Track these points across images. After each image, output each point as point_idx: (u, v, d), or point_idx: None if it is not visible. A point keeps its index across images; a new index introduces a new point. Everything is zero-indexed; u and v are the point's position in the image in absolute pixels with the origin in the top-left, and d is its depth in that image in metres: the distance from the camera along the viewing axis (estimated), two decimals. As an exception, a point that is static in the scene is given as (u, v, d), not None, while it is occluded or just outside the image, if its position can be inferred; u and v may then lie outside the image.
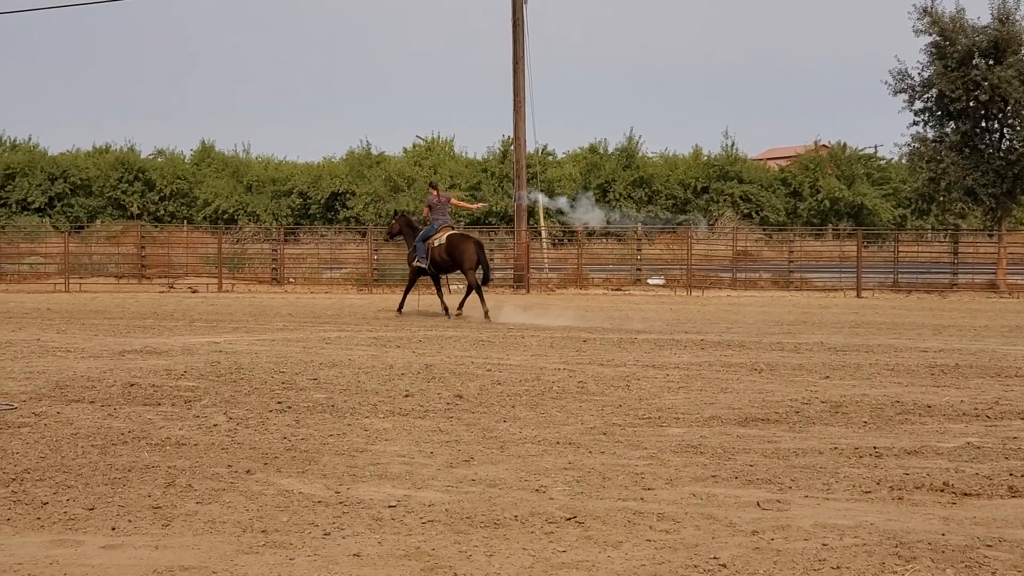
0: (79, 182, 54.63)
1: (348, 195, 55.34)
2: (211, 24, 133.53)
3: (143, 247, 41.86)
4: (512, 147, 42.57)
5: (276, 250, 41.51)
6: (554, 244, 45.57)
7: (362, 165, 56.63)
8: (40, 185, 53.32)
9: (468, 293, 25.41)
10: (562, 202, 47.79)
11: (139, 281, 40.25)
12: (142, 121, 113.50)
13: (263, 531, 7.15)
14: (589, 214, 46.32)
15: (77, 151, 57.83)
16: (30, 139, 57.64)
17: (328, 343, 18.88)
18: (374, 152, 58.50)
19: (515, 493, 8.20)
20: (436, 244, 25.08)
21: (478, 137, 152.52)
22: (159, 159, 57.62)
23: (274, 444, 9.90)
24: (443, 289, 26.48)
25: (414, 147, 59.43)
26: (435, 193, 25.68)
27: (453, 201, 26.61)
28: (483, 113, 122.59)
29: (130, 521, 7.35)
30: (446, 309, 25.47)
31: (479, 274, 25.23)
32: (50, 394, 12.63)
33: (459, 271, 25.53)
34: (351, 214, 54.38)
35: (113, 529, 7.16)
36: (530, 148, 40.59)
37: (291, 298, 33.94)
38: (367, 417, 11.39)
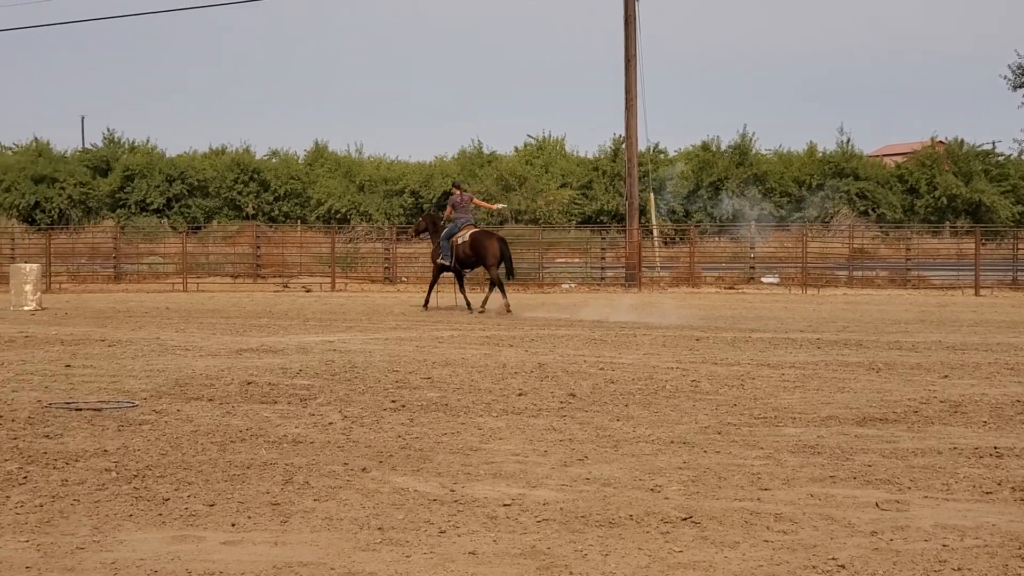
0: (196, 183, 55.47)
1: (461, 194, 55.66)
2: (322, 26, 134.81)
3: (258, 247, 42.40)
4: (623, 145, 42.46)
5: (388, 249, 41.81)
6: (665, 242, 45.37)
7: (473, 164, 56.83)
8: (158, 186, 54.22)
9: (491, 289, 26.26)
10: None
11: (254, 280, 40.79)
12: (257, 122, 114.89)
13: (379, 528, 7.19)
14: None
15: (194, 153, 58.75)
16: (148, 141, 58.62)
17: (441, 342, 18.97)
18: (485, 151, 58.69)
19: (630, 492, 8.17)
20: (460, 241, 25.92)
21: (589, 135, 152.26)
22: (273, 160, 58.30)
23: (389, 442, 9.96)
24: (465, 286, 27.37)
25: (525, 146, 59.52)
26: (458, 192, 26.63)
27: (475, 201, 27.65)
28: (594, 111, 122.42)
29: (249, 517, 7.44)
30: (468, 304, 26.38)
31: (502, 270, 26.06)
32: (170, 392, 12.84)
33: (482, 267, 26.43)
34: (463, 213, 54.68)
35: (233, 525, 7.26)
36: (641, 146, 40.42)
37: (403, 297, 34.15)
38: (481, 416, 11.42)
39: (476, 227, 26.66)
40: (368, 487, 8.27)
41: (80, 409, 11.55)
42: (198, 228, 49.58)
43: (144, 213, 53.50)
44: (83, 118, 79.60)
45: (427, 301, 27.33)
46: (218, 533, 7.09)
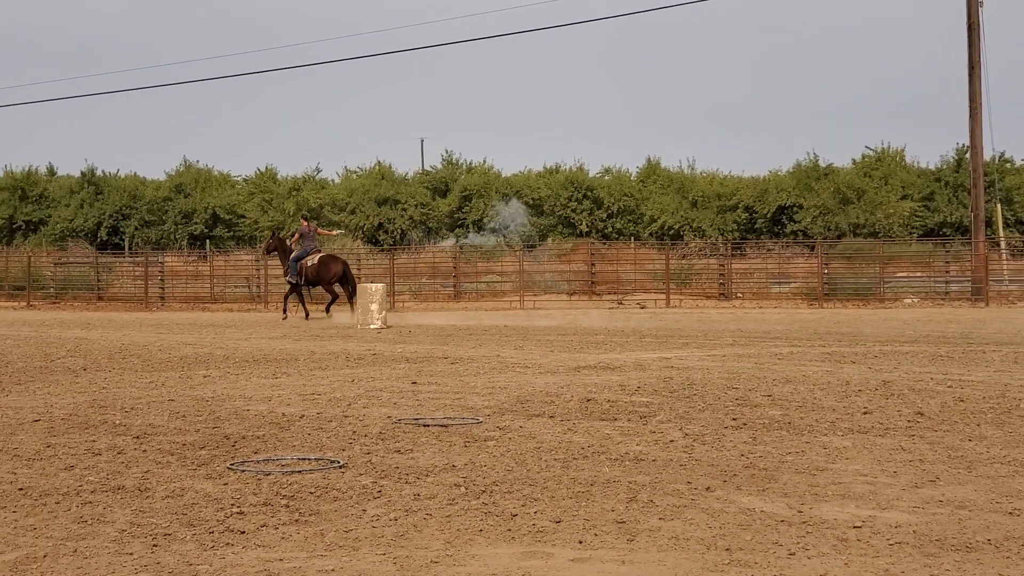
0: (531, 202, 56.46)
1: (795, 208, 54.74)
2: (658, 42, 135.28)
3: (593, 264, 42.81)
4: (967, 155, 40.99)
5: (723, 265, 41.54)
6: (1013, 254, 43.53)
7: (809, 178, 55.89)
8: (495, 206, 55.45)
9: (331, 301, 32.68)
10: None
11: (589, 297, 41.19)
12: (590, 140, 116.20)
13: (727, 549, 7.10)
14: None
15: (529, 172, 59.82)
16: (484, 161, 60.05)
17: (780, 359, 18.69)
18: (821, 164, 57.63)
19: (986, 515, 7.82)
20: (309, 264, 32.04)
21: (930, 145, 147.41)
22: (606, 177, 58.80)
23: (732, 461, 9.85)
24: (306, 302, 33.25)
25: (863, 158, 58.15)
26: (306, 224, 33.02)
27: (319, 231, 34.38)
28: (935, 121, 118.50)
29: (596, 535, 7.47)
30: (307, 314, 32.53)
31: (337, 289, 32.55)
32: (512, 408, 13.06)
33: (323, 285, 32.57)
34: (799, 227, 53.76)
35: (580, 543, 7.30)
36: (987, 155, 39.01)
37: (739, 313, 33.85)
38: (825, 435, 11.18)
39: (320, 252, 33.02)
40: (713, 506, 8.19)
41: (427, 425, 11.87)
42: (533, 247, 50.43)
43: (481, 232, 54.80)
44: (422, 141, 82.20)
45: (286, 311, 33.00)
46: (566, 550, 7.14)
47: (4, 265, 47.01)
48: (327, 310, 32.61)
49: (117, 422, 12.23)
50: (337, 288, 32.72)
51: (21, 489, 8.97)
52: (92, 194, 55.13)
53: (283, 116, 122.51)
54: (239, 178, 58.48)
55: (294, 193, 54.98)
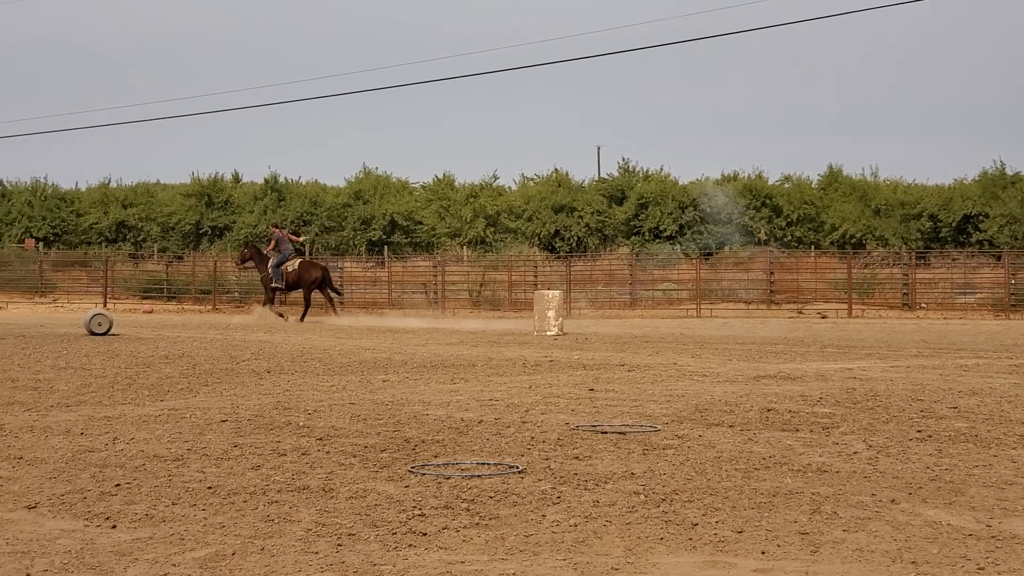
0: (708, 209, 56.08)
1: (981, 217, 53.37)
2: (846, 45, 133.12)
3: (772, 272, 42.34)
4: None
5: (906, 275, 40.73)
6: None
7: (995, 186, 54.39)
8: (671, 213, 55.16)
9: (307, 307, 34.09)
10: None
11: (768, 306, 40.75)
12: (768, 147, 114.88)
13: (913, 562, 6.95)
14: None
15: (706, 179, 59.37)
16: (661, 169, 59.77)
17: (966, 371, 18.24)
18: (1008, 172, 56.05)
19: None
20: (290, 269, 33.67)
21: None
22: (786, 185, 58.07)
23: (917, 474, 9.64)
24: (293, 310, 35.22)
25: (1053, 166, 56.32)
26: (278, 231, 35.10)
27: (290, 237, 35.47)
28: None
29: (778, 546, 7.37)
30: (282, 315, 33.93)
31: (315, 296, 34.68)
32: (690, 417, 12.97)
33: (303, 288, 34.06)
34: (984, 237, 52.40)
35: (763, 553, 7.21)
36: None
37: (923, 324, 33.16)
38: (1014, 448, 10.88)
39: (299, 258, 34.99)
40: (898, 519, 8.02)
41: (605, 432, 11.86)
42: (710, 254, 50.06)
43: (657, 240, 54.56)
44: (599, 148, 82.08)
45: (273, 310, 34.29)
46: (748, 560, 7.06)
47: (191, 270, 48.33)
48: (335, 312, 34.54)
49: (301, 424, 12.47)
50: (316, 294, 34.88)
51: (210, 488, 9.20)
52: (275, 200, 56.34)
53: (461, 123, 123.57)
54: (417, 185, 59.24)
55: (471, 200, 55.40)
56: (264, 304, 34.96)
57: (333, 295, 35.17)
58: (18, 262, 50.85)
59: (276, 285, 33.82)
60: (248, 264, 36.66)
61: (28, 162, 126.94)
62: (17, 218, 57.57)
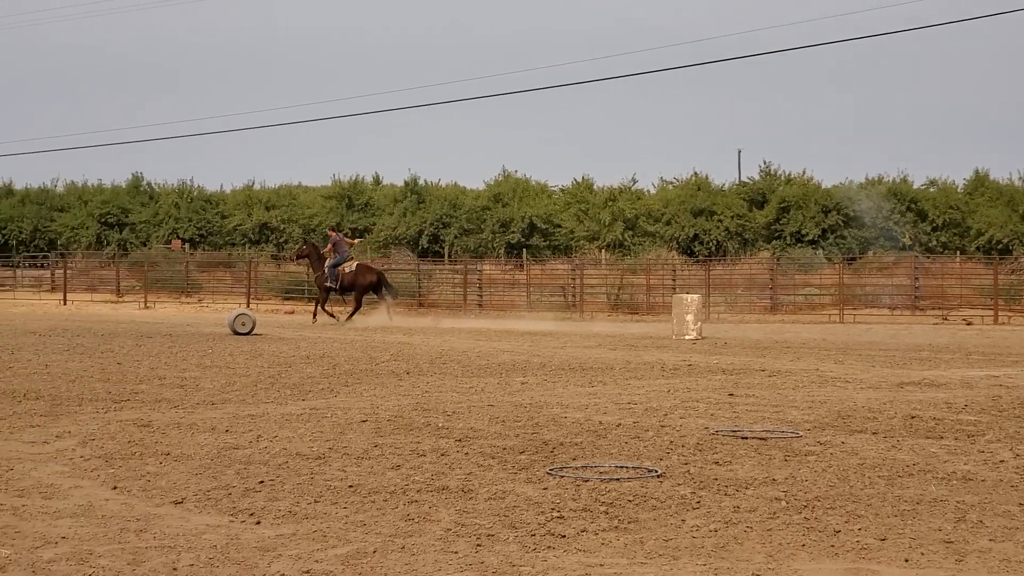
0: (851, 214, 55.29)
1: None
2: (993, 49, 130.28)
3: (916, 278, 41.60)
4: None
5: (1055, 281, 39.73)
6: None
7: None
8: (813, 217, 54.48)
9: (356, 308, 34.58)
10: None
11: (912, 312, 40.05)
12: (914, 151, 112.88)
13: (1064, 576, 6.78)
14: None
15: (849, 182, 58.53)
16: (804, 172, 59.07)
17: (1119, 379, 17.73)
18: None
19: None
20: (347, 271, 34.15)
21: None
22: (931, 189, 57.03)
23: (1068, 484, 9.40)
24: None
25: None
26: (335, 234, 35.57)
27: (345, 240, 35.87)
28: None
29: (922, 554, 7.24)
30: (315, 317, 34.28)
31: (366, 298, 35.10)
32: (832, 423, 12.80)
33: (356, 291, 34.59)
34: None
35: (906, 561, 7.09)
36: None
37: (1072, 331, 32.29)
38: None
39: (356, 261, 35.57)
40: (1049, 531, 7.83)
41: (746, 438, 11.75)
42: (853, 259, 49.32)
43: (799, 244, 53.92)
44: (739, 151, 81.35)
45: (315, 314, 34.50)
46: (892, 568, 6.95)
47: (332, 271, 49.06)
48: (389, 317, 34.36)
49: (440, 425, 12.55)
50: (368, 297, 35.38)
51: (351, 486, 9.31)
52: (415, 203, 56.79)
53: (600, 126, 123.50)
54: (556, 188, 59.28)
55: (610, 203, 55.26)
56: (317, 304, 35.46)
57: (388, 298, 35.67)
58: (165, 263, 51.95)
59: (330, 285, 34.38)
60: (303, 261, 37.77)
61: (175, 165, 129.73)
62: (164, 219, 58.83)
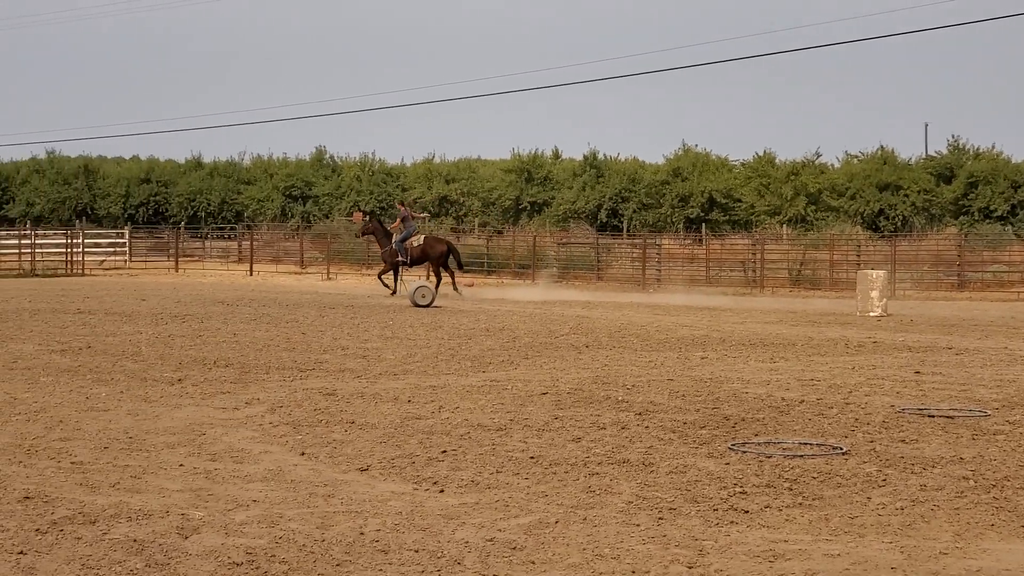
0: (1040, 190, 53.66)
1: None
2: None
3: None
4: None
5: None
6: None
7: None
8: (1003, 193, 53.04)
9: (439, 280, 33.52)
10: None
11: (1106, 291, 38.73)
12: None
13: None
14: None
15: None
16: (993, 147, 57.52)
17: None
18: None
19: None
20: (415, 244, 33.96)
21: None
22: None
23: None
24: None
25: None
26: (403, 208, 35.97)
27: (412, 214, 36.13)
28: None
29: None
30: (395, 291, 33.43)
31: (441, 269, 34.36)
32: (1022, 403, 12.47)
33: (431, 263, 34.72)
34: None
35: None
36: None
37: None
38: None
39: (425, 235, 35.64)
40: None
41: (933, 416, 11.52)
42: (1040, 236, 47.86)
43: (987, 220, 52.53)
44: (927, 125, 79.50)
45: (395, 290, 33.71)
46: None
47: (511, 244, 49.18)
48: (455, 288, 33.97)
49: (619, 398, 12.55)
50: (440, 267, 34.92)
51: (532, 457, 9.38)
52: (593, 177, 56.69)
53: (782, 100, 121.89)
54: (736, 162, 58.61)
55: (792, 177, 54.44)
56: (380, 275, 35.59)
57: (456, 270, 35.53)
58: (347, 235, 52.71)
59: (402, 259, 34.53)
60: (368, 236, 38.05)
61: (358, 138, 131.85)
62: (346, 192, 59.73)
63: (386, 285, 34.65)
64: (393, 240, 34.65)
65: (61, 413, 11.37)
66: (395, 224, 35.81)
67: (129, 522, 7.40)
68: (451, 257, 35.02)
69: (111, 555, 6.73)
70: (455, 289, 34.16)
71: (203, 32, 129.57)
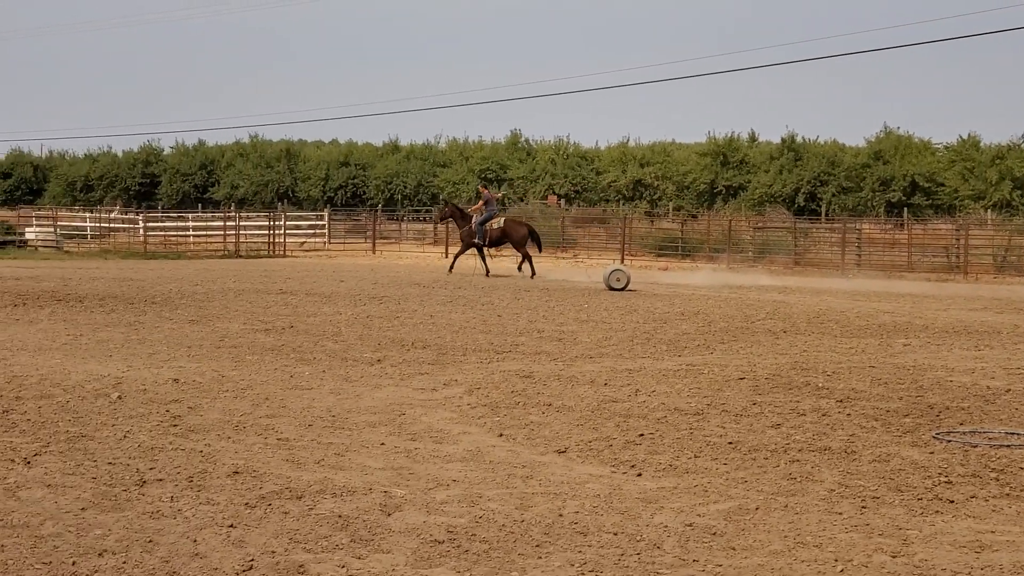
0: None
1: None
2: None
3: None
4: None
5: None
6: None
7: None
8: None
9: (523, 260, 34.49)
10: None
11: None
12: None
13: None
14: None
15: None
16: None
17: None
18: None
19: None
20: (495, 227, 34.63)
21: None
22: None
23: None
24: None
25: None
26: (486, 191, 36.38)
27: (494, 196, 36.84)
28: None
29: None
30: (488, 271, 34.15)
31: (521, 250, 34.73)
32: None
33: (513, 245, 35.09)
34: None
35: None
36: None
37: None
38: None
39: (505, 217, 36.49)
40: None
41: None
42: None
43: None
44: None
45: (487, 270, 34.21)
46: None
47: (705, 228, 48.81)
48: (526, 269, 34.31)
49: (819, 385, 12.37)
50: (523, 248, 35.15)
51: (731, 443, 9.31)
52: (791, 160, 55.88)
53: (988, 81, 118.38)
54: (940, 145, 57.17)
55: (997, 161, 52.87)
56: (455, 256, 36.36)
57: (535, 254, 35.69)
58: (541, 218, 52.88)
59: (478, 242, 34.96)
60: (447, 221, 39.42)
61: (553, 121, 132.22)
62: (541, 176, 60.00)
63: (451, 269, 35.54)
64: (473, 221, 35.38)
65: (267, 391, 11.67)
66: (476, 206, 36.64)
67: (334, 498, 7.57)
68: (534, 239, 35.59)
69: (317, 530, 6.89)
70: (520, 270, 34.72)
71: (400, 17, 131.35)
